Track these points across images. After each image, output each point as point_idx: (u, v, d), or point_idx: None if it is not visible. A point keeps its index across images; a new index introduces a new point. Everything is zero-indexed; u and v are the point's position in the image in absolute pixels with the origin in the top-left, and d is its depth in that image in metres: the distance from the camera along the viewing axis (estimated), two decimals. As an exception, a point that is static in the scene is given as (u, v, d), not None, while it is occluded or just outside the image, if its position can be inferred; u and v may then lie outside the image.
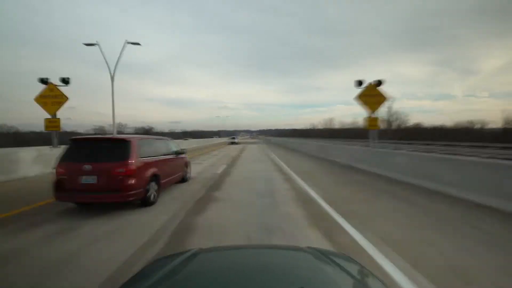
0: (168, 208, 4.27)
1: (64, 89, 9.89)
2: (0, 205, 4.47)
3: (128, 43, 14.52)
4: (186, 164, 6.78)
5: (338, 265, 0.89)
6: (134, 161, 4.06)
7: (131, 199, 3.96)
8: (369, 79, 9.94)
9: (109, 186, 3.81)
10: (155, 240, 2.93)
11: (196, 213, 3.95)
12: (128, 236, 3.07)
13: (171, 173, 5.54)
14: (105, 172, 3.84)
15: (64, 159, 3.99)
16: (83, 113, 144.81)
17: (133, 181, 3.95)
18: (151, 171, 4.48)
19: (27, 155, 7.92)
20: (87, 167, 3.81)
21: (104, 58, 14.30)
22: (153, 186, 4.54)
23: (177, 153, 6.13)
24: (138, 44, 14.65)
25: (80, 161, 3.88)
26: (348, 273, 0.83)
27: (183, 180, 6.52)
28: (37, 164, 8.07)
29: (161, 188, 4.87)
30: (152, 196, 4.46)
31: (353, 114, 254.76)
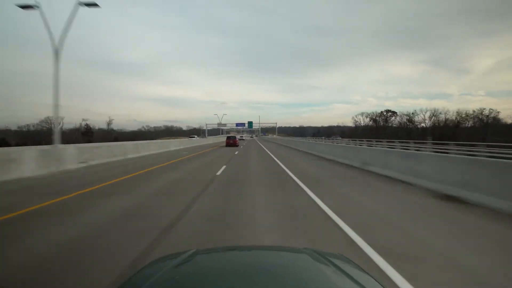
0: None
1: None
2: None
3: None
4: (238, 141, 32.71)
5: (336, 266, 0.92)
6: (236, 139, 30.43)
7: (236, 145, 29.59)
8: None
9: (233, 143, 29.60)
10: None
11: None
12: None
13: (237, 142, 31.45)
14: (233, 140, 29.98)
15: (227, 138, 30.85)
16: (72, 111, 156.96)
17: (236, 141, 30.07)
18: (238, 141, 30.70)
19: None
20: (231, 138, 30.33)
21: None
22: (238, 143, 30.60)
23: (240, 139, 32.44)
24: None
25: (229, 138, 30.38)
26: (346, 274, 0.85)
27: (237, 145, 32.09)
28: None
29: (238, 144, 30.63)
30: (238, 144, 30.37)
31: (352, 112, 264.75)
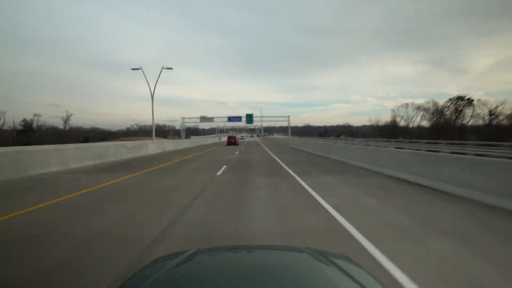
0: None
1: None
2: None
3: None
4: (238, 140, 34.88)
5: (337, 265, 0.92)
6: (237, 138, 32.66)
7: (236, 144, 31.38)
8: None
9: (234, 142, 31.58)
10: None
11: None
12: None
13: (237, 141, 33.47)
14: (233, 139, 32.06)
15: (228, 137, 32.98)
16: (71, 110, 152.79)
17: (237, 141, 32.17)
18: (238, 140, 32.68)
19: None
20: (231, 138, 32.25)
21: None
22: (238, 142, 32.63)
23: (240, 138, 35.23)
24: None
25: (230, 137, 32.48)
26: (347, 274, 0.85)
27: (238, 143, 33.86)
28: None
29: (238, 142, 32.64)
30: (238, 143, 32.29)
31: (352, 112, 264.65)
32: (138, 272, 0.94)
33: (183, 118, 56.16)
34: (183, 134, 56.34)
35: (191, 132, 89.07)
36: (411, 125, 61.98)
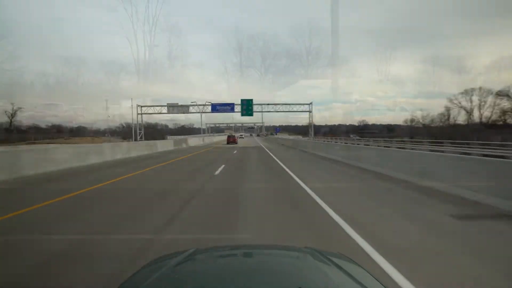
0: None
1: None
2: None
3: None
4: (237, 138, 36.64)
5: (337, 265, 0.92)
6: (236, 138, 34.06)
7: (235, 143, 32.46)
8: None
9: (233, 141, 32.58)
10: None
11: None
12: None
13: (237, 139, 35.04)
14: (232, 138, 33.08)
15: (228, 136, 34.31)
16: (71, 110, 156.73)
17: (236, 140, 33.36)
18: (237, 139, 34.39)
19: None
20: (231, 137, 33.48)
21: None
22: (237, 140, 34.14)
23: (239, 136, 38.72)
24: None
25: (230, 136, 33.67)
26: (347, 273, 0.86)
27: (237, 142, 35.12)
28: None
29: (237, 142, 33.88)
30: (237, 142, 33.86)
31: (351, 112, 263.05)
32: (137, 271, 0.94)
33: (140, 107, 34.16)
34: (139, 133, 34.48)
35: (185, 131, 68.89)
36: (477, 119, 40.40)
